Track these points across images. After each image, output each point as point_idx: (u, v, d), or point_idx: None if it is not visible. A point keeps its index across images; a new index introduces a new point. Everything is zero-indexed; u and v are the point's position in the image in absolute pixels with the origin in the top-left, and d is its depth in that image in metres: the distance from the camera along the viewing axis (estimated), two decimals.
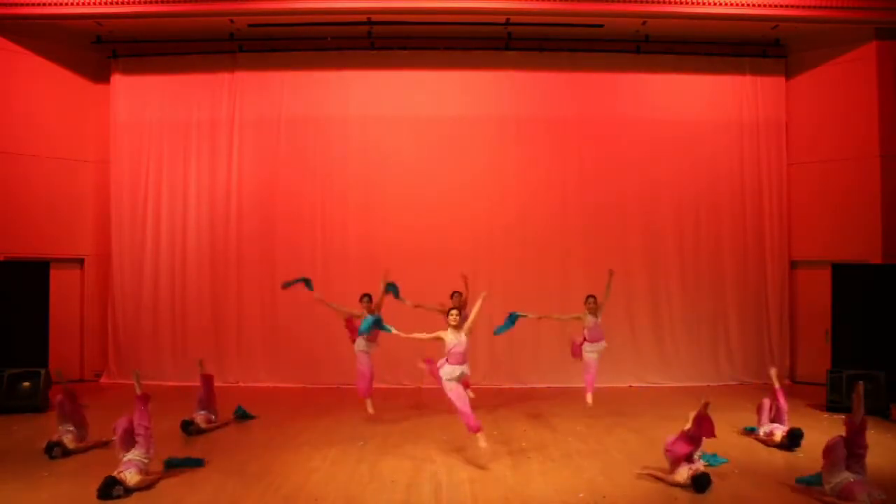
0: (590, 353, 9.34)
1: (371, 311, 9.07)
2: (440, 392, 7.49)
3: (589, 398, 9.11)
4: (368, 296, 9.20)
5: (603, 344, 9.38)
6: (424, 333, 7.48)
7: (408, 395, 10.89)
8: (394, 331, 7.94)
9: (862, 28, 11.35)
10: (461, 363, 7.32)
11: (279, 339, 11.97)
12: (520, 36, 12.03)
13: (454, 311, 7.52)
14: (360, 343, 9.14)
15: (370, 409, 9.11)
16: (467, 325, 7.44)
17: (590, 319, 9.27)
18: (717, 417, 9.20)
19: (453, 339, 7.34)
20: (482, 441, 7.22)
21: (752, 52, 12.37)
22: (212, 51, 12.23)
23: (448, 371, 7.31)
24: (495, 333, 8.79)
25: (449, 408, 7.66)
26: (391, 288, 9.16)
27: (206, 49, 12.23)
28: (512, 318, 8.55)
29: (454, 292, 9.74)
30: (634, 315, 12.00)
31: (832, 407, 9.53)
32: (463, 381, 7.44)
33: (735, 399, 10.38)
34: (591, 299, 9.32)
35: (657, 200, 12.22)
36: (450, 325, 7.38)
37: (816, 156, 12.04)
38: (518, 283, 11.87)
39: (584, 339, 9.36)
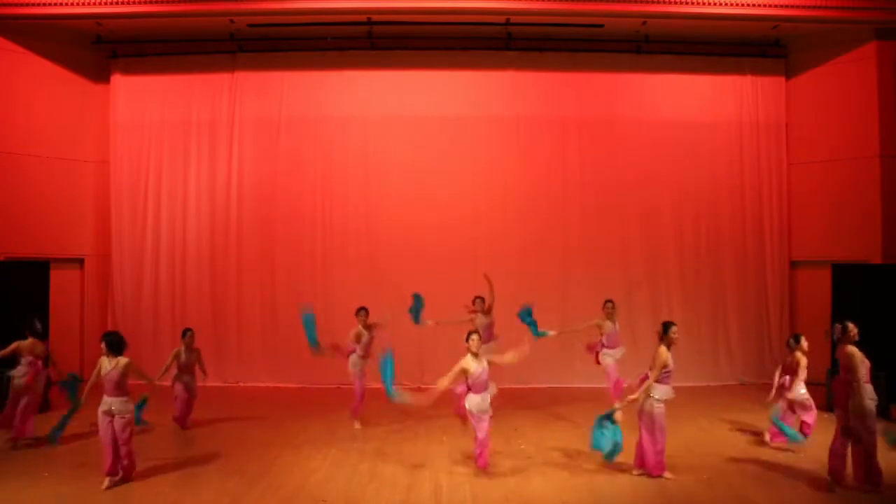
0: (607, 356, 9.21)
1: (366, 325, 8.88)
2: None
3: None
4: (365, 309, 8.98)
5: (621, 350, 9.27)
6: (446, 378, 6.67)
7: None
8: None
9: (862, 28, 11.36)
10: (486, 390, 6.82)
11: (279, 339, 11.96)
12: (520, 36, 12.03)
13: (475, 336, 6.87)
14: (354, 361, 8.90)
15: (357, 426, 8.80)
16: (486, 359, 6.87)
17: (608, 325, 9.16)
18: (717, 417, 9.27)
19: (477, 368, 6.74)
20: (482, 475, 6.77)
21: (752, 52, 12.37)
22: (212, 51, 12.23)
23: (477, 403, 6.74)
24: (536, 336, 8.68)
25: (460, 416, 7.41)
26: (414, 309, 9.04)
27: (206, 49, 12.23)
28: (525, 315, 8.67)
29: (476, 297, 9.44)
30: (634, 315, 11.95)
31: (832, 407, 9.50)
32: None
33: (735, 399, 10.39)
34: (609, 304, 9.18)
35: (657, 200, 12.21)
36: (470, 352, 6.78)
37: (816, 156, 12.04)
38: (518, 282, 11.84)
39: (603, 345, 9.21)
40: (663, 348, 6.81)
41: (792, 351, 8.01)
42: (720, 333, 12.20)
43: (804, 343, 8.09)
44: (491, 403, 6.96)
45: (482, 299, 9.42)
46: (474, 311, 9.34)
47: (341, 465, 7.13)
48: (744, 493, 6.33)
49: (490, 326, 9.23)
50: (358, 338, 8.87)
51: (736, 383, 11.77)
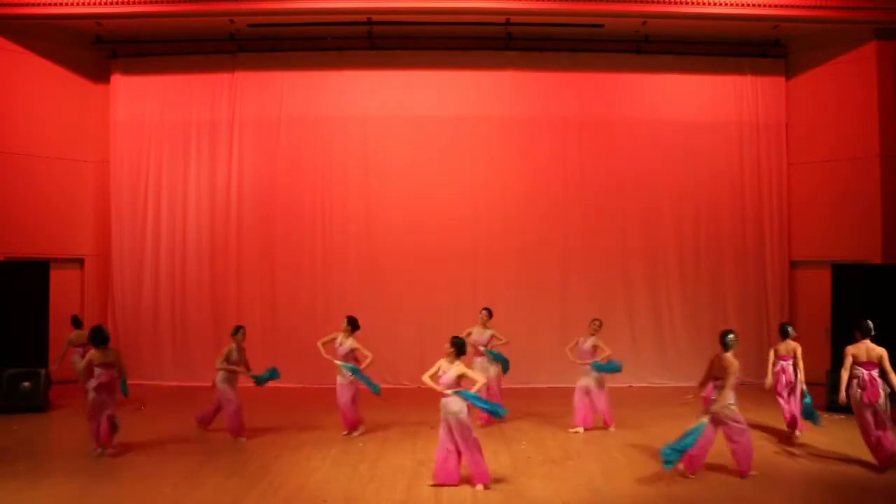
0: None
1: (347, 332, 8.44)
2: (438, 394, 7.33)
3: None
4: (352, 318, 8.56)
5: (589, 371, 8.63)
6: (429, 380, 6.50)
7: (408, 395, 10.89)
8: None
9: (862, 28, 11.36)
10: (448, 397, 6.37)
11: (279, 339, 11.96)
12: (520, 36, 12.03)
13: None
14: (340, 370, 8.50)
15: (343, 432, 8.45)
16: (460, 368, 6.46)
17: (581, 339, 8.75)
18: None
19: (442, 369, 6.48)
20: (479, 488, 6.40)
21: (752, 52, 12.37)
22: (212, 51, 12.23)
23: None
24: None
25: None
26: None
27: (206, 49, 12.23)
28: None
29: (483, 309, 9.18)
30: (634, 315, 12.00)
31: (832, 407, 9.49)
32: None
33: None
34: (595, 322, 8.72)
35: (657, 200, 12.21)
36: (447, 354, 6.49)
37: (816, 156, 12.04)
38: (518, 283, 11.88)
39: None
40: (730, 355, 7.06)
41: (786, 339, 8.20)
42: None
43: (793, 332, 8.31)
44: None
45: (488, 311, 9.20)
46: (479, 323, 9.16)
47: (341, 465, 7.13)
48: (744, 493, 6.33)
49: (487, 341, 9.12)
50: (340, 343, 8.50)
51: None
